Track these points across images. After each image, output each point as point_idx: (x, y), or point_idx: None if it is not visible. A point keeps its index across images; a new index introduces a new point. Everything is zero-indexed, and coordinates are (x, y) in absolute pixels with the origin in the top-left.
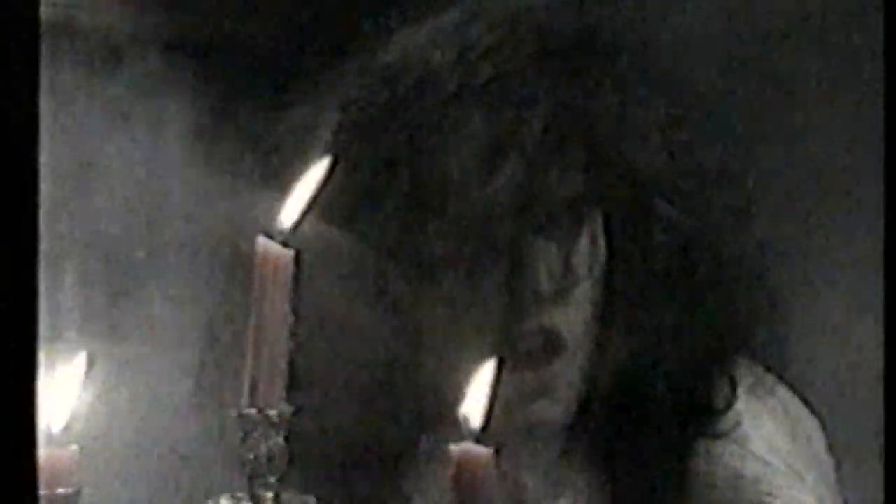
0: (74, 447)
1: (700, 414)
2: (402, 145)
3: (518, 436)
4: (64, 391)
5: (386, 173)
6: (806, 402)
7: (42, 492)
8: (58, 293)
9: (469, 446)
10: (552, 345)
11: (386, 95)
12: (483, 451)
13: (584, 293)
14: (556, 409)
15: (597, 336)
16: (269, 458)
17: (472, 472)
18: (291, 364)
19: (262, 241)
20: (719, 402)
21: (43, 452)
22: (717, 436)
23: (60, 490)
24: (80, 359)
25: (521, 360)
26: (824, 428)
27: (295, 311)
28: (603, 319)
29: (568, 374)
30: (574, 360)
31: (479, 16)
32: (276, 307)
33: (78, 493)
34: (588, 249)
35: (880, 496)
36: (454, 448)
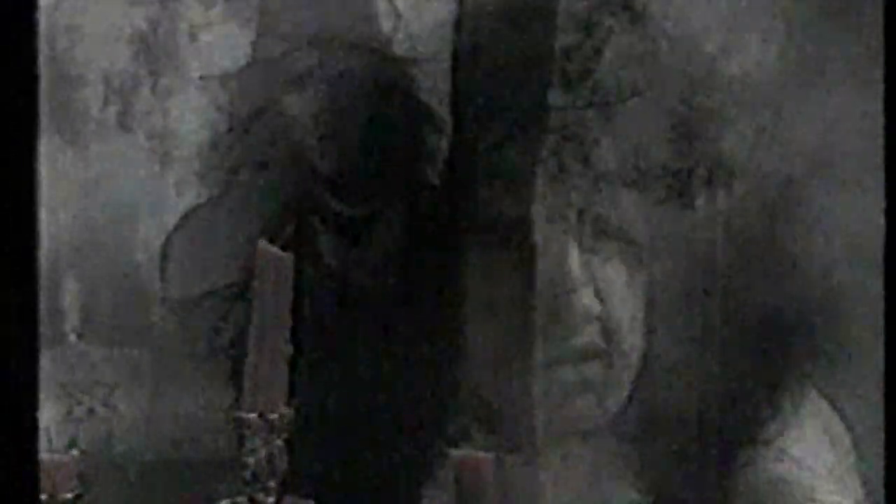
0: (76, 452)
1: (744, 422)
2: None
3: (564, 436)
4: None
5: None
6: (839, 411)
7: (44, 496)
8: (60, 296)
9: (470, 452)
10: (597, 354)
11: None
12: (484, 457)
13: (629, 310)
14: (600, 407)
15: (641, 346)
16: (270, 462)
17: (472, 477)
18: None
19: (262, 244)
20: (763, 412)
21: (44, 458)
22: (762, 443)
23: (62, 495)
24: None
25: (564, 359)
26: (854, 437)
27: (296, 315)
28: (647, 331)
29: (611, 373)
30: (617, 361)
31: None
32: (277, 310)
33: (79, 497)
34: (631, 268)
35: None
36: (455, 453)
